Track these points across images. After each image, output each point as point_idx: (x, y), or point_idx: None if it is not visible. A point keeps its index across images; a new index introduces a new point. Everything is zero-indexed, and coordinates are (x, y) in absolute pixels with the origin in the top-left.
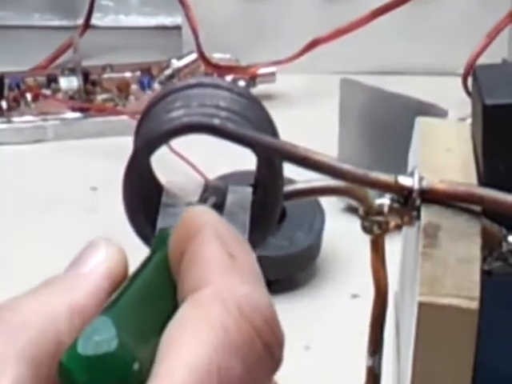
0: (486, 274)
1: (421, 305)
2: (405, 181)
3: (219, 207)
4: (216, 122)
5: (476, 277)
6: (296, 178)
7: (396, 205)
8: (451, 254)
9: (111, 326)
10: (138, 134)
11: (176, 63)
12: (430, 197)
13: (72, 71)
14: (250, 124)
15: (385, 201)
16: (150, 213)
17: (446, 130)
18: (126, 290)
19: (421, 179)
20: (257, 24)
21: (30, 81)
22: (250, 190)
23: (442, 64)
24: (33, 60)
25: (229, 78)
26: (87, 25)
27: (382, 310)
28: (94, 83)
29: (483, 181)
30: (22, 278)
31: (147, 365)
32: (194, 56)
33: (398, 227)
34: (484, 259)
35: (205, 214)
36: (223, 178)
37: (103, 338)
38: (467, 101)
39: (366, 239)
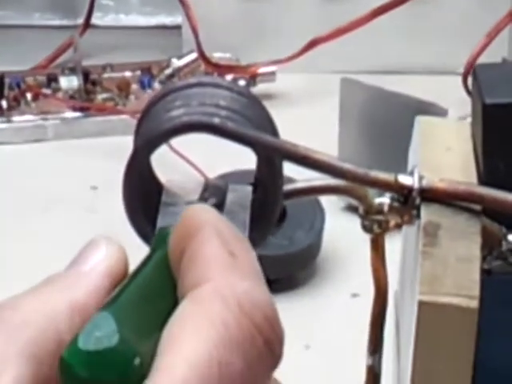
0: (485, 273)
1: (421, 304)
2: (405, 180)
3: (219, 206)
4: (216, 120)
5: (476, 276)
6: (296, 177)
7: (396, 204)
8: (451, 253)
9: (112, 322)
10: (137, 133)
11: (176, 62)
12: (430, 196)
13: (72, 70)
14: (250, 123)
15: (385, 200)
16: (150, 212)
17: (445, 129)
18: (126, 287)
19: (421, 178)
20: (257, 23)
21: (30, 80)
22: (250, 188)
23: (442, 63)
24: (33, 59)
25: (229, 77)
26: (87, 24)
27: (381, 309)
28: (94, 83)
29: (483, 180)
30: (22, 277)
31: (148, 360)
32: (194, 55)
33: (398, 226)
34: (484, 258)
35: (205, 213)
36: (223, 177)
37: (104, 334)
38: (467, 100)
39: (366, 238)
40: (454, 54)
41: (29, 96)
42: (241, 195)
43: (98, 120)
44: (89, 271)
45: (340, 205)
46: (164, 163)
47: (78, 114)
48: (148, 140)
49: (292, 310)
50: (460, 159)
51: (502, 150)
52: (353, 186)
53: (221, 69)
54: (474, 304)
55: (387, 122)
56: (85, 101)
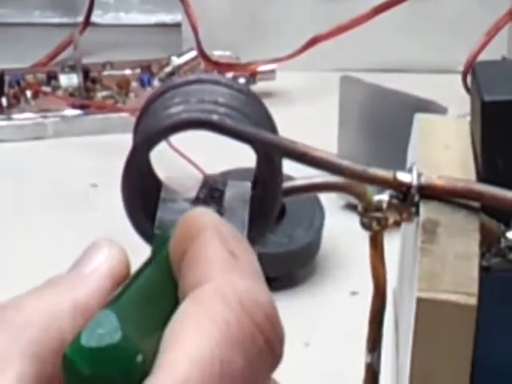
0: (484, 270)
1: (419, 300)
2: (403, 177)
3: (218, 202)
4: (215, 117)
5: (474, 273)
6: (294, 175)
7: (395, 201)
8: (450, 250)
9: (114, 319)
10: (137, 129)
11: (176, 60)
12: (429, 193)
13: (72, 68)
14: (249, 120)
15: (383, 197)
16: (149, 208)
17: (444, 127)
18: (128, 288)
19: (419, 175)
20: (257, 21)
21: (30, 78)
22: (249, 184)
23: (441, 61)
24: (33, 57)
25: (229, 75)
26: (87, 22)
27: (380, 307)
28: (94, 80)
29: (482, 177)
30: (22, 275)
31: (150, 358)
32: (193, 53)
33: (397, 224)
34: (482, 255)
35: (206, 215)
36: (223, 175)
37: (106, 331)
38: (467, 98)
39: (366, 236)
40: (454, 53)
41: (29, 94)
42: (240, 191)
43: (98, 118)
44: (91, 272)
45: (339, 203)
46: (163, 160)
47: (77, 111)
48: (147, 137)
49: (291, 308)
50: (459, 156)
51: (500, 148)
52: (352, 183)
53: (220, 67)
54: (473, 301)
55: (387, 119)
56: (84, 99)
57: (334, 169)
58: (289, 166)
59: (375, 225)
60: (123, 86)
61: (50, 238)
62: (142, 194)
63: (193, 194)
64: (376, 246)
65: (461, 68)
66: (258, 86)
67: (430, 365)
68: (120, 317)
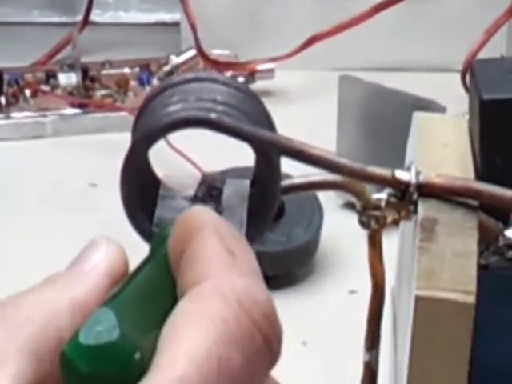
0: (482, 269)
1: (418, 299)
2: (402, 175)
3: (216, 200)
4: (213, 116)
5: (473, 271)
6: (293, 173)
7: (393, 199)
8: (448, 248)
9: (112, 317)
10: (135, 128)
11: (175, 59)
12: (427, 191)
13: (71, 67)
14: (247, 118)
15: (382, 195)
16: (148, 206)
17: (443, 125)
18: (126, 286)
19: (418, 173)
20: (256, 20)
21: (28, 77)
22: (247, 182)
23: (440, 60)
24: (32, 56)
25: (228, 74)
26: (86, 21)
27: (379, 305)
28: (92, 79)
29: (480, 175)
30: (21, 273)
31: (148, 355)
32: (192, 52)
33: (396, 222)
34: (481, 253)
35: (204, 213)
36: (222, 173)
37: (105, 328)
38: (466, 97)
39: (364, 235)
40: (453, 52)
41: (27, 92)
42: (238, 189)
43: (97, 117)
44: (89, 270)
45: (338, 202)
46: (161, 158)
47: (76, 110)
48: (146, 135)
49: (290, 307)
50: (457, 155)
51: (499, 146)
52: (350, 182)
53: (219, 66)
54: (471, 299)
55: (385, 118)
56: (83, 97)
57: (332, 167)
58: (287, 165)
59: (374, 223)
60: (122, 84)
61: (49, 237)
62: (141, 192)
63: (191, 192)
64: (374, 244)
65: (460, 67)
66: (257, 85)
67: (429, 363)
68: (118, 315)
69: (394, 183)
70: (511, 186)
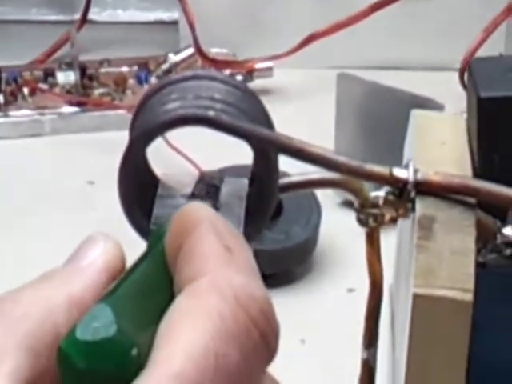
0: (480, 266)
1: (415, 297)
2: (400, 173)
3: (214, 198)
4: (211, 113)
5: (470, 269)
6: (291, 171)
7: (391, 197)
8: (446, 246)
9: (109, 313)
10: (133, 126)
11: (173, 58)
12: (425, 189)
13: (69, 65)
14: (245, 116)
15: (380, 193)
16: (146, 204)
17: (441, 123)
18: (123, 282)
19: (416, 171)
20: (254, 18)
21: (27, 75)
22: (245, 181)
23: (439, 59)
24: (30, 54)
25: (226, 72)
26: (84, 19)
27: (377, 303)
28: (91, 78)
29: (478, 173)
30: (20, 272)
31: (145, 351)
32: (191, 50)
33: (393, 220)
34: (478, 251)
35: (202, 210)
36: (220, 171)
37: (101, 324)
38: (464, 95)
39: (363, 234)
40: (451, 50)
41: (26, 91)
42: (236, 187)
43: (95, 115)
44: (86, 266)
45: (336, 200)
46: (160, 157)
47: (74, 108)
48: (143, 132)
49: (288, 305)
50: (455, 153)
51: (496, 144)
52: (348, 180)
53: (218, 64)
54: (469, 297)
55: (383, 116)
56: (82, 96)
57: (330, 165)
58: (285, 163)
59: (372, 221)
60: (120, 83)
61: (47, 235)
62: (139, 190)
63: (189, 190)
64: (372, 242)
65: (458, 65)
66: (255, 84)
67: (426, 361)
68: (115, 310)
69: (391, 181)
70: (509, 184)
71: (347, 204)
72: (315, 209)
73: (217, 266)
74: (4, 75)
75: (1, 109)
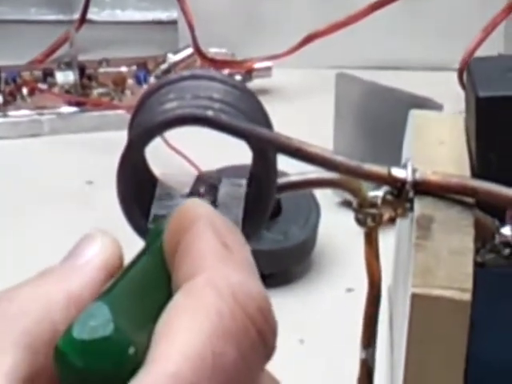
0: (478, 266)
1: (414, 296)
2: (398, 172)
3: (212, 197)
4: (209, 113)
5: (469, 268)
6: (289, 171)
7: (389, 197)
8: (444, 246)
9: (107, 311)
10: (132, 125)
11: (172, 57)
12: (423, 188)
13: (68, 65)
14: (244, 116)
15: (378, 193)
16: (144, 204)
17: (439, 123)
18: (121, 279)
19: (414, 171)
20: (253, 18)
21: (26, 75)
22: (243, 181)
23: (438, 59)
24: (29, 54)
25: (225, 72)
26: (83, 19)
27: (375, 303)
28: (90, 77)
29: (476, 173)
30: (19, 271)
31: (142, 350)
32: (189, 50)
33: (392, 220)
34: (477, 251)
35: (200, 207)
36: (219, 171)
37: (99, 323)
38: (462, 95)
39: (361, 233)
40: (450, 50)
41: (25, 91)
42: (234, 188)
43: (94, 115)
44: (84, 264)
45: (335, 200)
46: (158, 156)
47: (73, 108)
48: (142, 132)
49: (287, 305)
50: (453, 153)
51: (495, 143)
52: (346, 179)
53: (216, 64)
54: (467, 297)
55: (382, 116)
56: (81, 96)
57: (329, 164)
58: (283, 162)
59: (370, 221)
60: (119, 83)
61: (46, 235)
62: (137, 189)
63: (187, 190)
64: (371, 242)
65: (457, 65)
66: (254, 83)
67: (425, 360)
68: (112, 309)
69: (390, 181)
70: (507, 184)
71: (346, 204)
72: (314, 209)
73: (214, 263)
74: (3, 75)
75: (0, 109)
